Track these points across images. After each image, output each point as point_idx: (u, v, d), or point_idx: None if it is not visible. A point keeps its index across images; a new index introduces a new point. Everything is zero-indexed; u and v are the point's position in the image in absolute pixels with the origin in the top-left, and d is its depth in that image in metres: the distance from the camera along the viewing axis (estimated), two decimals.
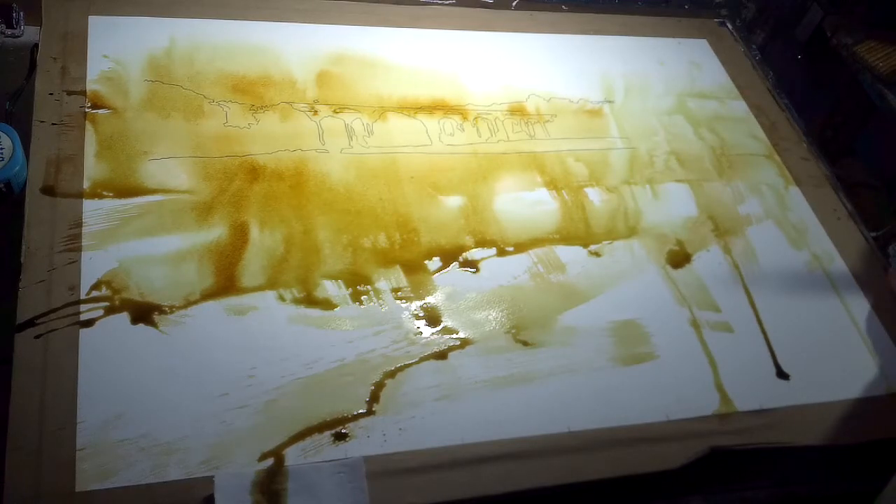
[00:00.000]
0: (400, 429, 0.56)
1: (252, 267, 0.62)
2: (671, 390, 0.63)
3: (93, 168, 0.64)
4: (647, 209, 0.76)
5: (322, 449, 0.54)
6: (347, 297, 0.62)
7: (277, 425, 0.54)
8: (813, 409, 0.64)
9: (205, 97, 0.72)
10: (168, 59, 0.74)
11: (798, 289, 0.73)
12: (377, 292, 0.63)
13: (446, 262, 0.67)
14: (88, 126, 0.67)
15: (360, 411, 0.56)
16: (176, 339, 0.57)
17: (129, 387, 0.54)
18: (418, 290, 0.64)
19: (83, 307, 0.56)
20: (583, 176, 0.77)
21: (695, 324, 0.68)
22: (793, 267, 0.75)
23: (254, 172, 0.68)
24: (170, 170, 0.66)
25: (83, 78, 0.70)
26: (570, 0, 0.95)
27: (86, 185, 0.63)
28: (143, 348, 0.56)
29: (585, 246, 0.71)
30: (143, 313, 0.57)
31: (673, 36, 0.95)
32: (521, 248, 0.69)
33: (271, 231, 0.65)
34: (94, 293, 0.57)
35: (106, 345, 0.55)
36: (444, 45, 0.84)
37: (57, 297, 0.56)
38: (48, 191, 0.62)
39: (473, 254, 0.68)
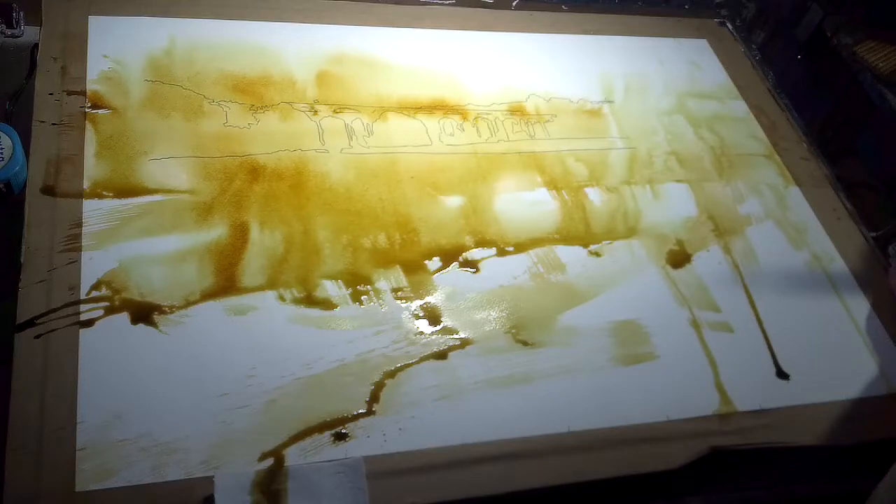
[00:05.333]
0: (400, 429, 0.56)
1: (252, 267, 0.62)
2: (671, 390, 0.63)
3: (93, 168, 0.64)
4: (647, 209, 0.76)
5: (322, 449, 0.54)
6: (347, 297, 0.62)
7: (277, 425, 0.54)
8: (813, 409, 0.64)
9: (205, 97, 0.72)
10: (168, 59, 0.74)
11: (798, 289, 0.73)
12: (377, 292, 0.63)
13: (446, 262, 0.67)
14: (88, 126, 0.67)
15: (360, 411, 0.56)
16: (176, 339, 0.57)
17: (129, 387, 0.54)
18: (418, 290, 0.64)
19: (83, 307, 0.56)
20: (583, 176, 0.77)
21: (695, 324, 0.68)
22: (793, 267, 0.75)
23: (254, 172, 0.68)
24: (170, 170, 0.66)
25: (83, 78, 0.69)
26: (570, 0, 0.95)
27: (86, 185, 0.63)
28: (143, 348, 0.56)
29: (585, 246, 0.71)
30: (143, 313, 0.57)
31: (673, 36, 0.95)
32: (521, 248, 0.69)
33: (271, 231, 0.65)
34: (94, 293, 0.57)
35: (106, 345, 0.55)
36: (444, 45, 0.84)
37: (57, 297, 0.56)
38: (48, 191, 0.62)
39: (473, 254, 0.68)
